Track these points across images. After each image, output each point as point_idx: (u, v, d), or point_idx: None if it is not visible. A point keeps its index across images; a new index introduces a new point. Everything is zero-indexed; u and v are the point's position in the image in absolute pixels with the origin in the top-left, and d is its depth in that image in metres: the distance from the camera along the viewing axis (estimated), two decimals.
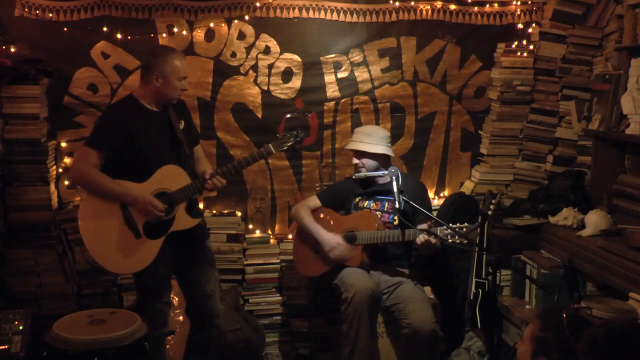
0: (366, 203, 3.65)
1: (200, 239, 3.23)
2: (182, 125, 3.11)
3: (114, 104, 3.12)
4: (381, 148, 3.56)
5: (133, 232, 2.99)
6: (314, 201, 3.73)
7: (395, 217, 3.55)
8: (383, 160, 3.60)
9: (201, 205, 3.88)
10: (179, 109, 3.17)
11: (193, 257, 3.21)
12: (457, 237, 3.19)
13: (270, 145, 3.13)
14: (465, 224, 3.25)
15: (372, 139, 3.56)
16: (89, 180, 2.94)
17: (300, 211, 3.69)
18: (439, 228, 3.25)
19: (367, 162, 3.57)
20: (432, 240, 3.23)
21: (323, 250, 3.55)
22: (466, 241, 3.20)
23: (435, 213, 3.99)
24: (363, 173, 3.56)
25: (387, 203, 3.62)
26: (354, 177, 3.62)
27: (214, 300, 3.28)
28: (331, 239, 3.53)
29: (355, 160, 3.60)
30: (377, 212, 3.60)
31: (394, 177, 3.29)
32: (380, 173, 3.54)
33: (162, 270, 3.10)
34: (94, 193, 2.97)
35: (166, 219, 2.99)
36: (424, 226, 3.39)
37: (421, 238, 3.26)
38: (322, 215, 3.68)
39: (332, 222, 3.63)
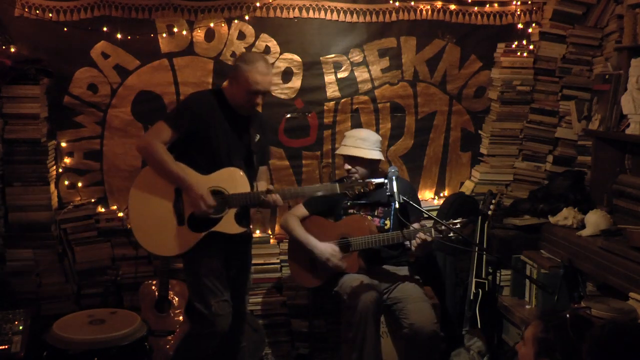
0: (356, 208, 3.60)
1: (245, 242, 3.22)
2: (257, 139, 3.10)
3: (203, 91, 3.09)
4: (375, 153, 3.50)
5: (177, 217, 2.96)
6: (301, 210, 3.64)
7: (387, 222, 3.53)
8: (375, 166, 3.55)
9: None
10: (260, 124, 3.17)
11: (235, 258, 3.16)
12: (452, 232, 3.15)
13: (337, 185, 3.13)
14: (460, 218, 3.23)
15: (366, 144, 3.49)
16: (154, 154, 2.91)
17: (289, 222, 3.59)
18: (432, 229, 3.22)
19: (360, 168, 3.50)
20: (428, 238, 3.19)
21: (319, 261, 3.48)
22: (461, 235, 3.17)
23: (435, 213, 3.98)
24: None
25: (378, 207, 3.57)
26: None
27: (245, 303, 3.29)
28: (326, 249, 3.45)
29: (348, 167, 3.52)
30: (368, 217, 3.55)
31: (394, 178, 3.28)
32: (372, 181, 3.41)
33: (218, 265, 3.05)
34: (154, 168, 2.96)
35: (213, 217, 2.96)
36: (417, 225, 3.38)
37: (417, 241, 3.21)
38: (311, 224, 3.59)
39: (323, 230, 3.54)
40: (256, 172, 3.17)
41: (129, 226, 3.03)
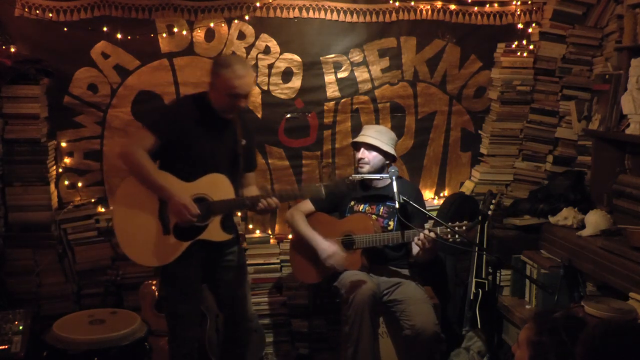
0: (361, 207, 3.59)
1: (230, 245, 3.12)
2: (243, 143, 3.02)
3: (186, 96, 3.04)
4: (391, 149, 3.52)
5: (163, 226, 2.89)
6: (308, 206, 3.65)
7: (390, 222, 3.53)
8: (387, 161, 3.56)
9: None
10: (247, 129, 3.09)
11: (223, 262, 3.11)
12: (456, 235, 3.15)
13: (322, 186, 3.03)
14: (465, 222, 3.23)
15: (384, 138, 3.52)
16: (135, 162, 2.83)
17: (294, 217, 3.61)
18: (438, 227, 3.22)
19: (376, 158, 3.50)
20: (432, 235, 3.16)
21: (320, 258, 3.48)
22: (466, 239, 3.17)
23: (435, 213, 3.98)
24: (360, 175, 3.49)
25: (382, 207, 3.57)
26: (350, 177, 3.55)
27: (246, 304, 3.26)
28: (327, 248, 3.44)
29: (364, 154, 3.51)
30: (373, 216, 3.55)
31: (394, 178, 3.28)
32: (377, 176, 3.49)
33: (193, 273, 3.00)
34: (135, 176, 2.88)
35: (198, 225, 2.89)
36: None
37: (419, 243, 3.20)
38: (316, 220, 3.60)
39: (327, 227, 3.55)
40: (242, 178, 3.08)
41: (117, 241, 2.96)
